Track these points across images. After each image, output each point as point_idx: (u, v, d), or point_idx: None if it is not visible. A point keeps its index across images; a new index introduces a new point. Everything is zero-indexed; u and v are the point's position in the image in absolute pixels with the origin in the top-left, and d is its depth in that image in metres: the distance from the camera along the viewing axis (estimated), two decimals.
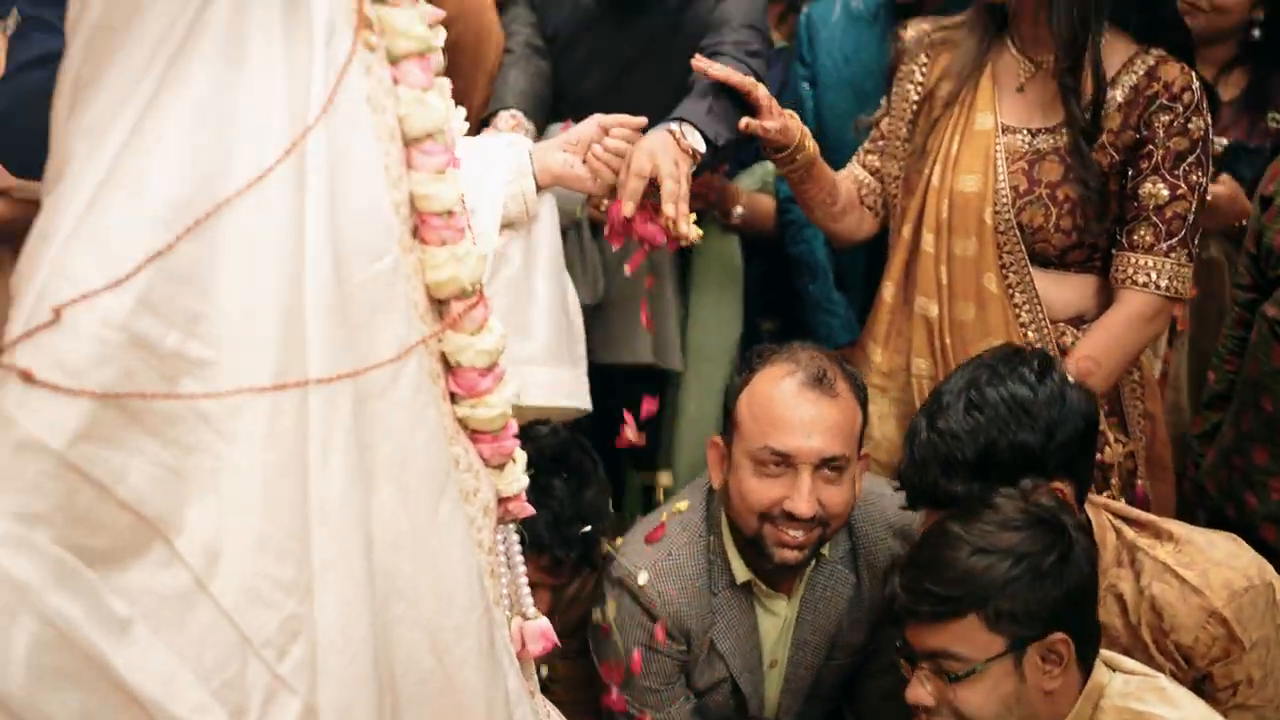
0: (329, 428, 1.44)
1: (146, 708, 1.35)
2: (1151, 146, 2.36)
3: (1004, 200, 2.41)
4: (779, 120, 2.40)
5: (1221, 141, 2.82)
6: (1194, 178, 2.37)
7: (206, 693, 1.38)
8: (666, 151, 2.26)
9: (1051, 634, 1.88)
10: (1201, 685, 2.11)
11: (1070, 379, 2.15)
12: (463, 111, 1.84)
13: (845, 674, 2.54)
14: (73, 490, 1.32)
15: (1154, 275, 2.38)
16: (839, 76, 2.95)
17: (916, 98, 2.54)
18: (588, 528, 2.36)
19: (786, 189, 2.85)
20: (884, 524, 2.43)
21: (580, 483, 2.39)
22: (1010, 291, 2.43)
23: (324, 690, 1.44)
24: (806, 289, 3.07)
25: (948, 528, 1.95)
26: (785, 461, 2.23)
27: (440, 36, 1.67)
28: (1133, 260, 2.39)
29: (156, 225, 1.36)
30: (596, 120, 2.30)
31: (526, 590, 1.80)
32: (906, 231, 2.51)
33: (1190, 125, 2.36)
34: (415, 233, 1.61)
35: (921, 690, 1.93)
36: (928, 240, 2.47)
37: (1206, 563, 2.13)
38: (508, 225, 2.21)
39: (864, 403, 2.32)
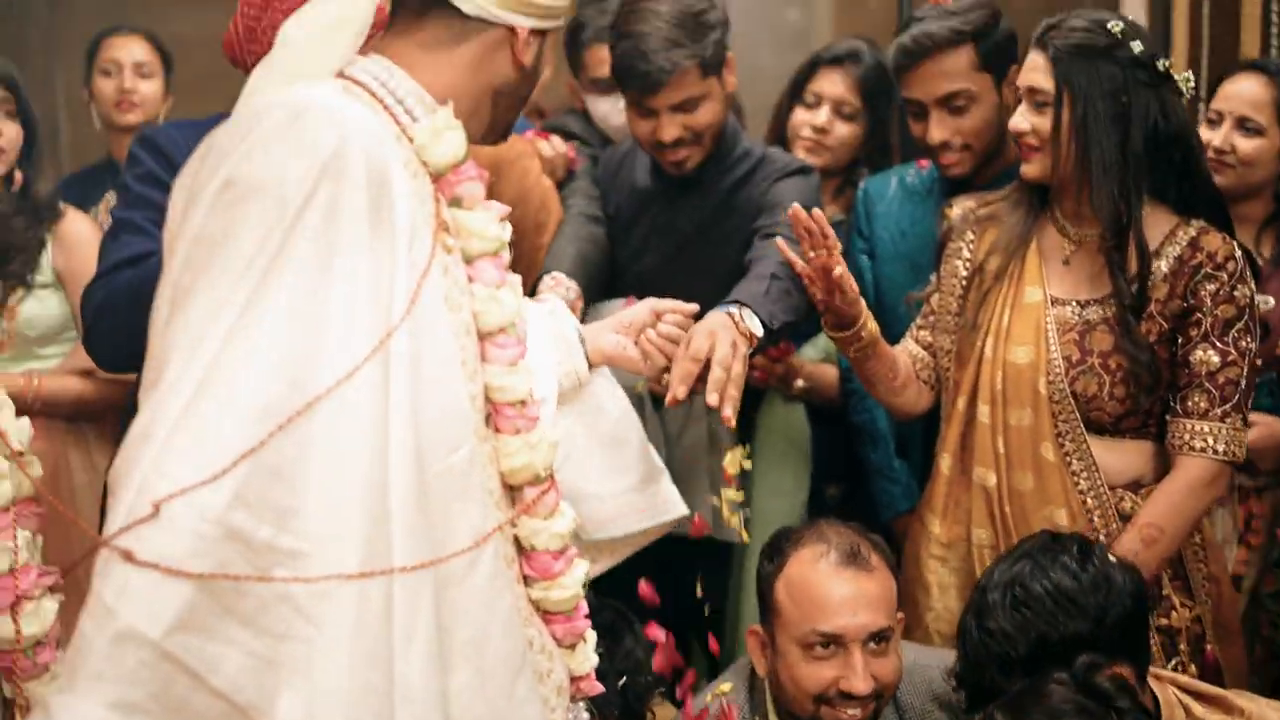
0: (412, 615, 1.50)
1: None
2: (1200, 315, 2.42)
3: (1057, 371, 2.46)
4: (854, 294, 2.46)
5: (1268, 300, 2.86)
6: (1243, 343, 2.42)
7: None
8: (725, 334, 2.32)
9: None
10: None
11: (1112, 560, 2.18)
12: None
13: None
14: (169, 679, 1.39)
15: (1210, 440, 2.41)
16: (896, 249, 3.04)
17: (965, 273, 2.62)
18: (623, 680, 2.38)
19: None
20: (929, 694, 2.42)
21: (613, 639, 2.40)
22: (1068, 459, 2.46)
23: None
24: (868, 456, 3.12)
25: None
26: (834, 642, 2.25)
27: (507, 230, 1.77)
28: (1188, 426, 2.43)
29: (250, 424, 1.44)
30: (650, 305, 2.35)
31: None
32: (961, 403, 2.56)
33: (1236, 293, 2.42)
34: (489, 421, 1.69)
35: None
36: (983, 411, 2.52)
37: None
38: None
39: (894, 568, 2.35)
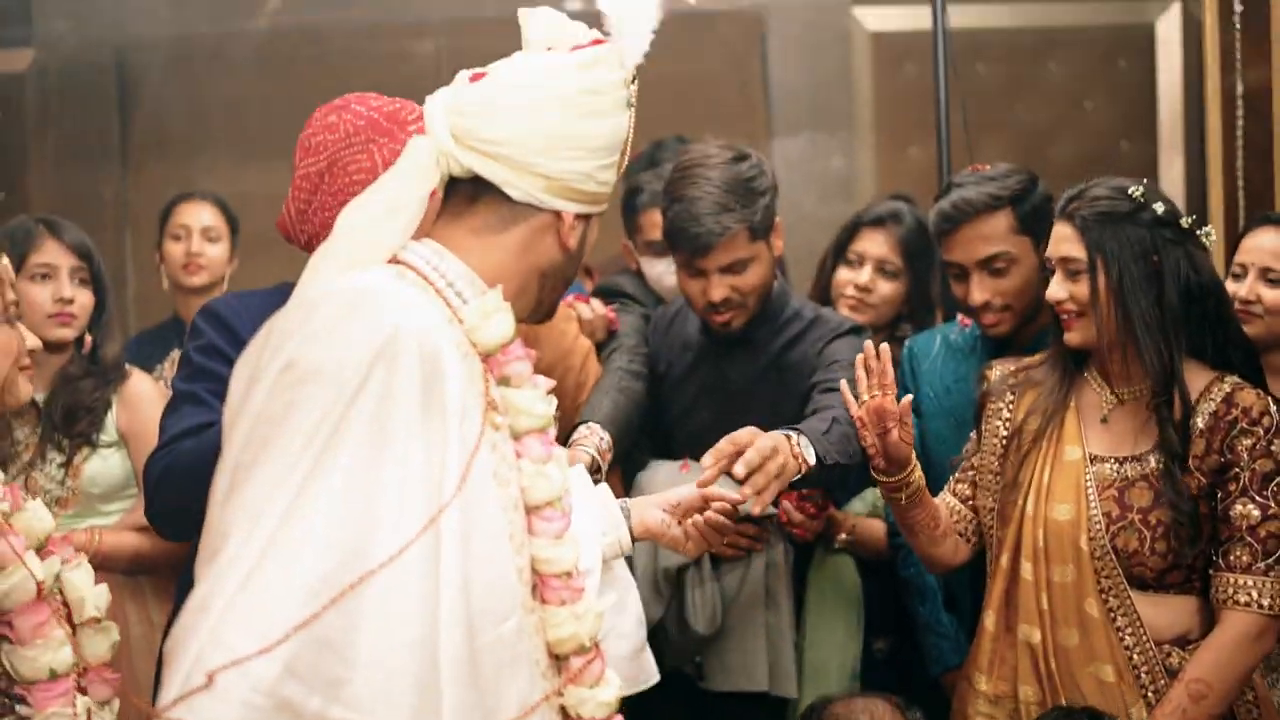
0: None
1: None
2: (1238, 469, 2.44)
3: (1098, 527, 2.48)
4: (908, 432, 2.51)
5: None
6: None
7: None
8: (780, 447, 2.38)
9: None
10: None
11: None
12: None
13: None
14: None
15: (1255, 594, 2.41)
16: (940, 406, 3.08)
17: (1005, 433, 2.66)
18: None
19: None
20: None
21: None
22: (1112, 615, 2.47)
23: None
24: (917, 611, 3.13)
25: None
26: None
27: (553, 404, 1.83)
28: (1232, 580, 2.43)
29: (304, 598, 1.50)
30: (699, 491, 2.42)
31: None
32: (1005, 560, 2.58)
33: (1273, 447, 2.44)
34: (536, 593, 1.74)
35: None
36: (1026, 568, 2.54)
37: None
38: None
39: None
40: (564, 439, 2.95)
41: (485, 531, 1.65)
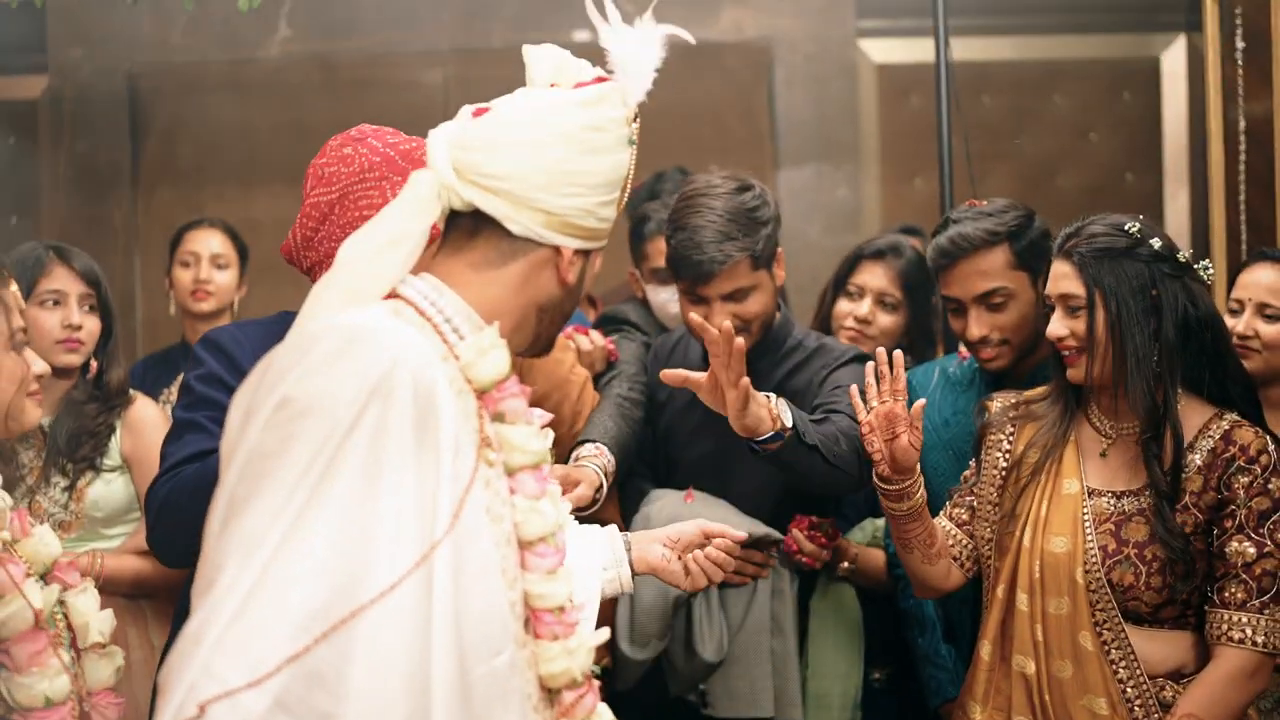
0: None
1: None
2: (1234, 506, 2.45)
3: (1094, 560, 2.49)
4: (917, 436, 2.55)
5: None
6: (1279, 535, 2.44)
7: None
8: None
9: None
10: None
11: None
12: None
13: None
14: None
15: (1249, 632, 2.42)
16: (939, 438, 3.09)
17: (1005, 464, 2.67)
18: None
19: None
20: None
21: None
22: (1106, 649, 2.48)
23: None
24: (916, 642, 3.13)
25: None
26: None
27: (549, 439, 1.85)
28: (1226, 617, 2.44)
29: (296, 631, 1.52)
30: (700, 526, 2.43)
31: None
32: (1000, 591, 2.59)
33: (1270, 485, 2.45)
34: (528, 627, 1.75)
35: None
36: (1022, 599, 2.55)
37: None
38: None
39: None
40: (563, 460, 2.98)
41: (478, 566, 1.66)
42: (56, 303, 3.20)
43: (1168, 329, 2.49)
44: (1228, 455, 2.47)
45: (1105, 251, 2.51)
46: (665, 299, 3.49)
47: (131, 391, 3.32)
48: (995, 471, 2.69)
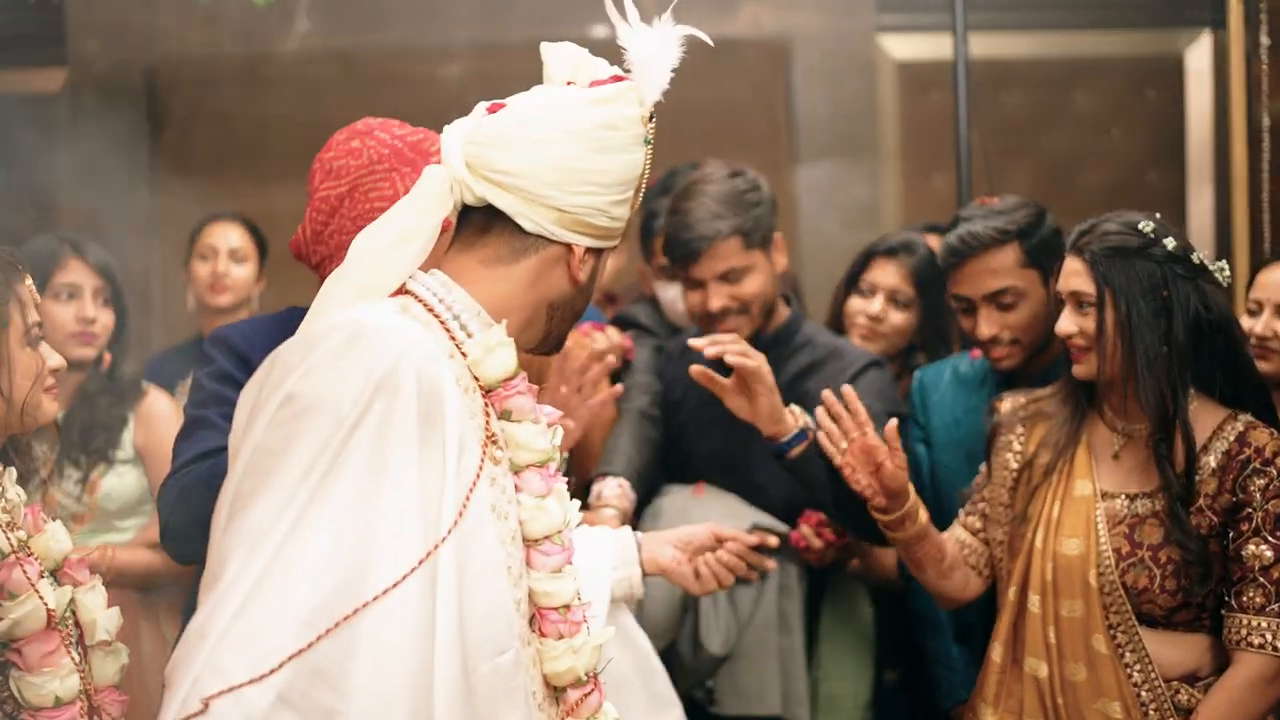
0: None
1: None
2: (1250, 509, 2.43)
3: (1107, 563, 2.47)
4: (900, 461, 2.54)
5: None
6: None
7: None
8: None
9: None
10: None
11: None
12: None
13: None
14: None
15: (1269, 636, 2.40)
16: (950, 437, 3.08)
17: (1016, 466, 2.65)
18: None
19: None
20: None
21: None
22: (1120, 651, 2.46)
23: None
24: (926, 643, 3.12)
25: None
26: None
27: (557, 436, 1.85)
28: (1245, 622, 2.42)
29: (299, 627, 1.52)
30: (711, 530, 2.44)
31: None
32: (1012, 593, 2.57)
33: None
34: (533, 625, 1.75)
35: None
36: (1034, 602, 2.53)
37: None
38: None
39: None
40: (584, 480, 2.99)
41: (483, 564, 1.66)
42: (71, 296, 3.22)
43: (1178, 331, 2.47)
44: (1243, 457, 2.45)
45: (1117, 250, 2.49)
46: (674, 296, 3.49)
47: (145, 384, 3.34)
48: (1006, 473, 2.67)
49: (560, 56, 1.87)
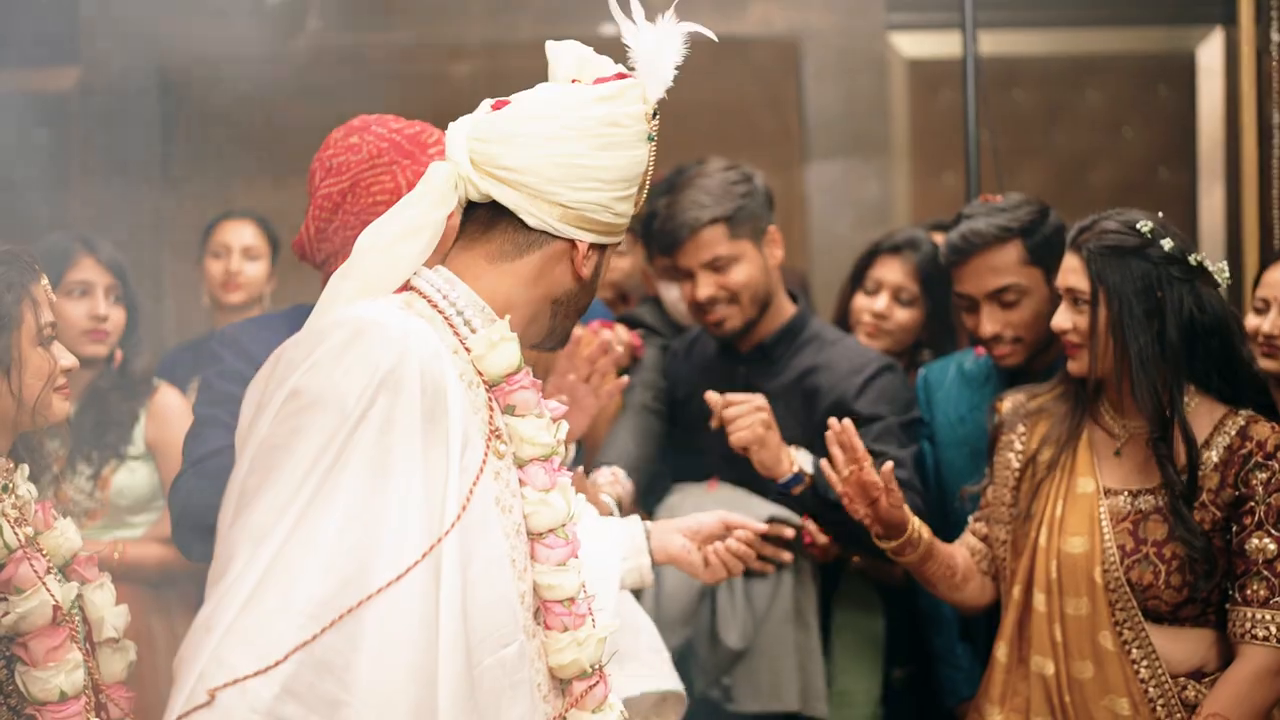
0: None
1: None
2: (1253, 503, 2.43)
3: (1112, 560, 2.48)
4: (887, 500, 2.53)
5: None
6: None
7: None
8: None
9: None
10: None
11: None
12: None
13: None
14: None
15: (1274, 629, 2.40)
16: (954, 435, 3.09)
17: (1018, 464, 2.66)
18: None
19: None
20: None
21: None
22: (1127, 648, 2.46)
23: None
24: (932, 641, 3.12)
25: None
26: None
27: (563, 430, 1.86)
28: (1249, 615, 2.42)
29: (304, 620, 1.54)
30: (721, 518, 2.44)
31: None
32: (1017, 592, 2.58)
33: None
34: (538, 617, 1.76)
35: None
36: (1039, 600, 2.54)
37: None
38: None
39: None
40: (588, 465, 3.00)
41: (487, 557, 1.67)
42: (83, 293, 3.24)
43: (1171, 332, 2.47)
44: (1244, 452, 2.45)
45: (1114, 249, 2.49)
46: (677, 296, 3.50)
47: (155, 380, 3.36)
48: (1009, 472, 2.67)
49: (565, 54, 1.88)
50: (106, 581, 2.19)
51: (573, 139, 1.79)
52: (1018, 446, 2.68)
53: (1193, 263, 2.49)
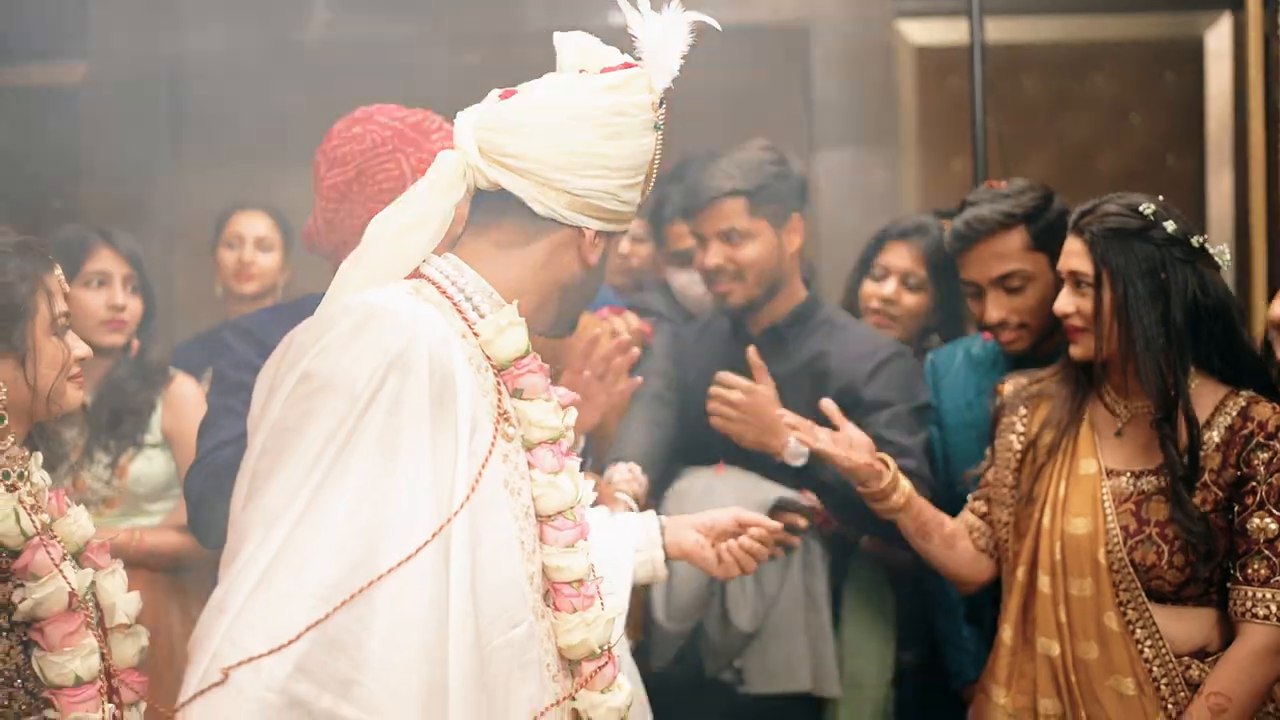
0: None
1: None
2: (1254, 483, 2.45)
3: (1115, 541, 2.49)
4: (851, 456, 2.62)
5: None
6: None
7: None
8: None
9: None
10: None
11: None
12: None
13: None
14: None
15: (1274, 607, 2.42)
16: (961, 419, 3.10)
17: (1020, 447, 2.68)
18: None
19: None
20: None
21: None
22: (1131, 628, 2.48)
23: None
24: (938, 624, 3.14)
25: None
26: None
27: (571, 416, 1.88)
28: (1250, 594, 2.44)
29: (315, 600, 1.57)
30: (735, 516, 2.46)
31: None
32: (1021, 574, 2.60)
33: None
34: (547, 599, 1.79)
35: None
36: (1043, 581, 2.55)
37: None
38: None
39: None
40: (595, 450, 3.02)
41: (496, 538, 1.70)
42: (101, 283, 3.28)
43: (1175, 313, 2.48)
44: (1246, 432, 2.47)
45: (1117, 231, 2.50)
46: (685, 282, 3.52)
47: (171, 370, 3.39)
48: (1010, 454, 2.69)
49: (572, 45, 1.90)
50: (118, 568, 2.22)
51: (580, 128, 1.82)
52: (1019, 429, 2.70)
53: (1195, 245, 2.50)
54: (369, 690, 1.57)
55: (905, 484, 2.65)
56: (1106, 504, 2.53)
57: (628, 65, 1.88)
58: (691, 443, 3.24)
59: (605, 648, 1.82)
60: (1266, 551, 2.43)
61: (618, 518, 2.33)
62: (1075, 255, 2.55)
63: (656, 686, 2.45)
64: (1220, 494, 2.47)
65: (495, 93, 1.90)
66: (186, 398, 3.34)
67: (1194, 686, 2.45)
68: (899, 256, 3.42)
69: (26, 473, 2.13)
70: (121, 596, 2.16)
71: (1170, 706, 2.45)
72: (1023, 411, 2.71)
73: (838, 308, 3.32)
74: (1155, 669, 2.47)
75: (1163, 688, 2.46)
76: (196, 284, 4.54)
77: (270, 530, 1.59)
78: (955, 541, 2.71)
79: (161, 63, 5.32)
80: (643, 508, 2.91)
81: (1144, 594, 2.48)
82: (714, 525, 2.44)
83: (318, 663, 1.55)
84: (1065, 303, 2.57)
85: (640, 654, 2.90)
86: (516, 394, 1.80)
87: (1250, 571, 2.44)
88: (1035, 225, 2.90)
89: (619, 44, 1.93)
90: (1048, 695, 2.55)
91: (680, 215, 3.19)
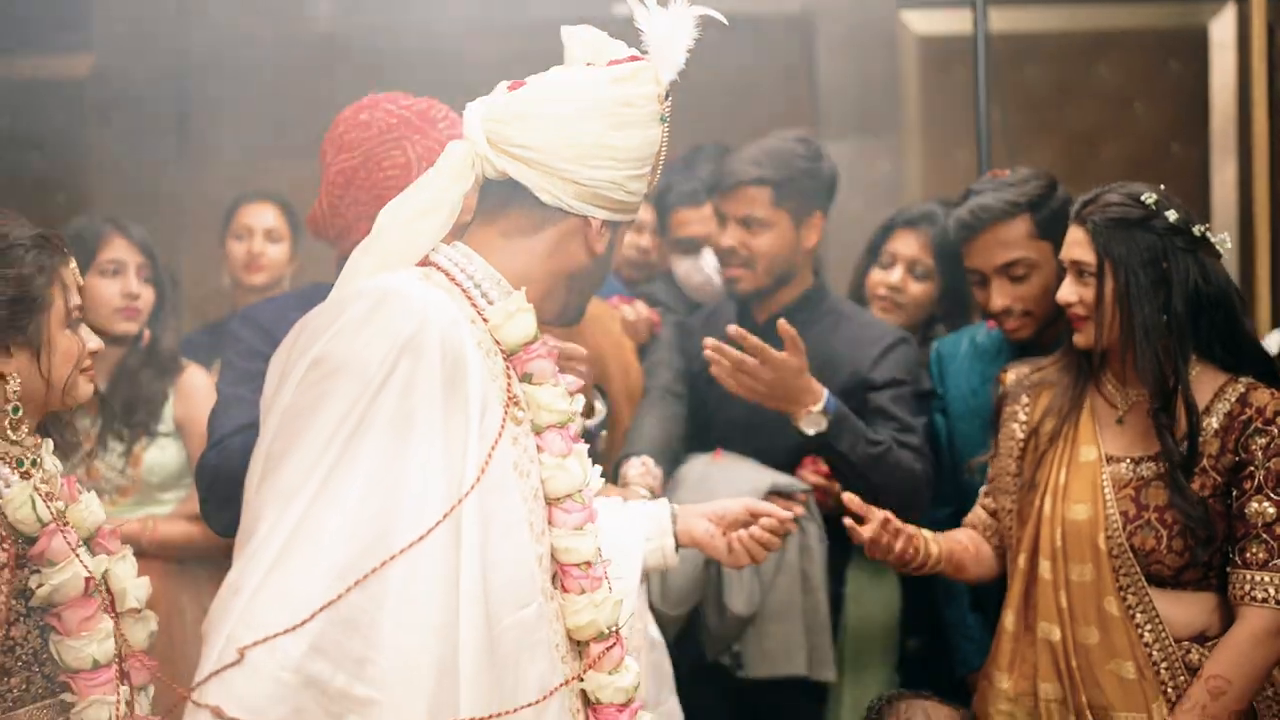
0: None
1: None
2: (1252, 468, 2.47)
3: (1115, 526, 2.52)
4: (883, 533, 2.62)
5: None
6: None
7: None
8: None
9: None
10: None
11: None
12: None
13: None
14: None
15: (1272, 590, 2.44)
16: (967, 406, 3.12)
17: (1022, 435, 2.70)
18: None
19: None
20: None
21: None
22: (1131, 613, 2.50)
23: None
24: (943, 611, 3.16)
25: None
26: None
27: (578, 402, 1.91)
28: (1248, 577, 2.46)
29: (329, 580, 1.60)
30: (746, 505, 2.46)
31: None
32: (1023, 560, 2.62)
33: None
34: (556, 581, 1.81)
35: None
36: (1045, 567, 2.58)
37: None
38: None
39: None
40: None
41: (505, 520, 1.73)
42: (116, 272, 3.32)
43: (1177, 302, 2.50)
44: (1244, 417, 2.49)
45: (1119, 221, 2.52)
46: (688, 269, 3.55)
47: (183, 359, 3.42)
48: (1013, 442, 2.72)
49: (579, 39, 1.93)
50: (128, 554, 2.24)
51: (587, 119, 1.85)
52: (1021, 417, 2.72)
53: (1196, 234, 2.52)
54: (381, 669, 1.60)
55: (935, 546, 2.66)
56: (1106, 490, 2.55)
57: (634, 58, 1.91)
58: (694, 429, 3.27)
59: (613, 629, 1.85)
60: (1265, 535, 2.45)
61: (630, 505, 2.36)
62: (1077, 245, 2.57)
63: None
64: (1219, 479, 2.49)
65: (504, 84, 1.93)
66: (198, 387, 3.37)
67: (1193, 670, 2.47)
68: (906, 244, 3.44)
69: (39, 460, 2.16)
70: (132, 581, 2.19)
71: (1170, 690, 2.47)
72: (1025, 400, 2.73)
73: (843, 297, 3.34)
74: (1155, 653, 2.49)
75: (1162, 672, 2.48)
76: (204, 275, 4.56)
77: (284, 511, 1.62)
78: (981, 554, 2.75)
79: (169, 55, 5.33)
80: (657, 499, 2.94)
81: (1144, 579, 2.50)
82: (725, 514, 2.45)
83: (332, 641, 1.58)
84: (1068, 292, 2.59)
85: None
86: (526, 378, 1.82)
87: (1249, 555, 2.47)
88: (1039, 214, 2.92)
89: (624, 38, 1.96)
90: (1048, 680, 2.57)
91: (706, 194, 3.21)
